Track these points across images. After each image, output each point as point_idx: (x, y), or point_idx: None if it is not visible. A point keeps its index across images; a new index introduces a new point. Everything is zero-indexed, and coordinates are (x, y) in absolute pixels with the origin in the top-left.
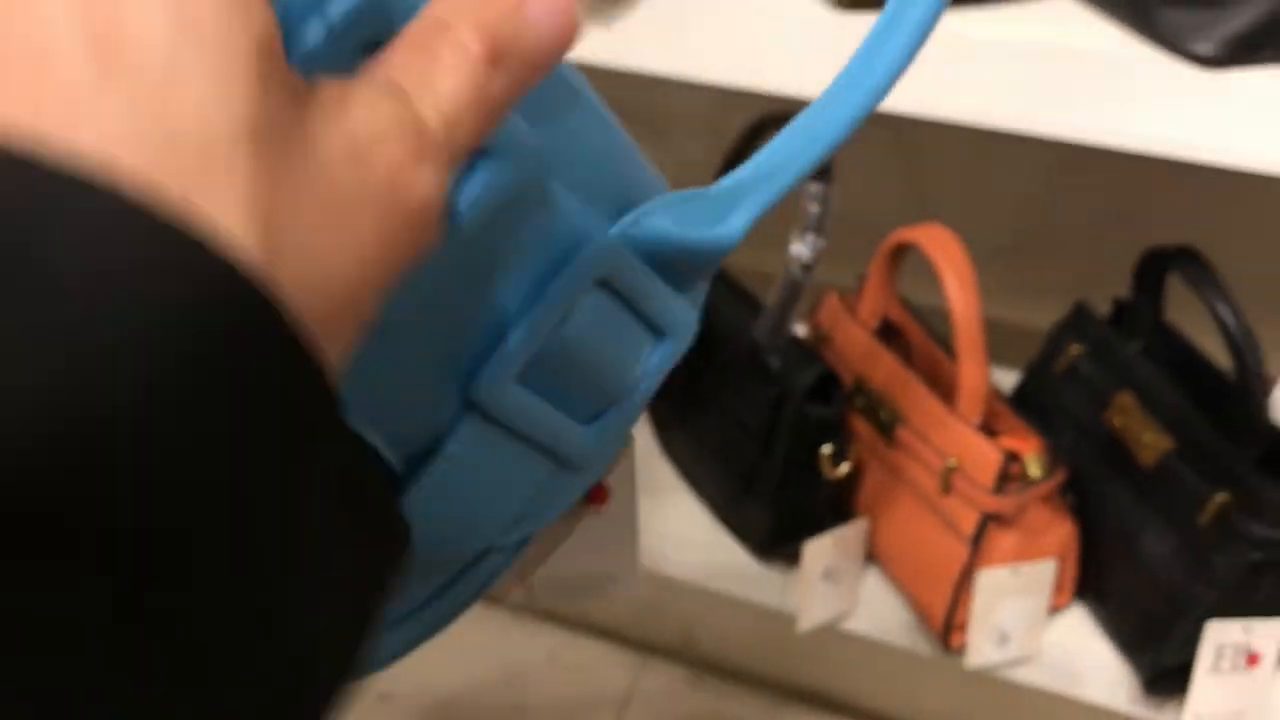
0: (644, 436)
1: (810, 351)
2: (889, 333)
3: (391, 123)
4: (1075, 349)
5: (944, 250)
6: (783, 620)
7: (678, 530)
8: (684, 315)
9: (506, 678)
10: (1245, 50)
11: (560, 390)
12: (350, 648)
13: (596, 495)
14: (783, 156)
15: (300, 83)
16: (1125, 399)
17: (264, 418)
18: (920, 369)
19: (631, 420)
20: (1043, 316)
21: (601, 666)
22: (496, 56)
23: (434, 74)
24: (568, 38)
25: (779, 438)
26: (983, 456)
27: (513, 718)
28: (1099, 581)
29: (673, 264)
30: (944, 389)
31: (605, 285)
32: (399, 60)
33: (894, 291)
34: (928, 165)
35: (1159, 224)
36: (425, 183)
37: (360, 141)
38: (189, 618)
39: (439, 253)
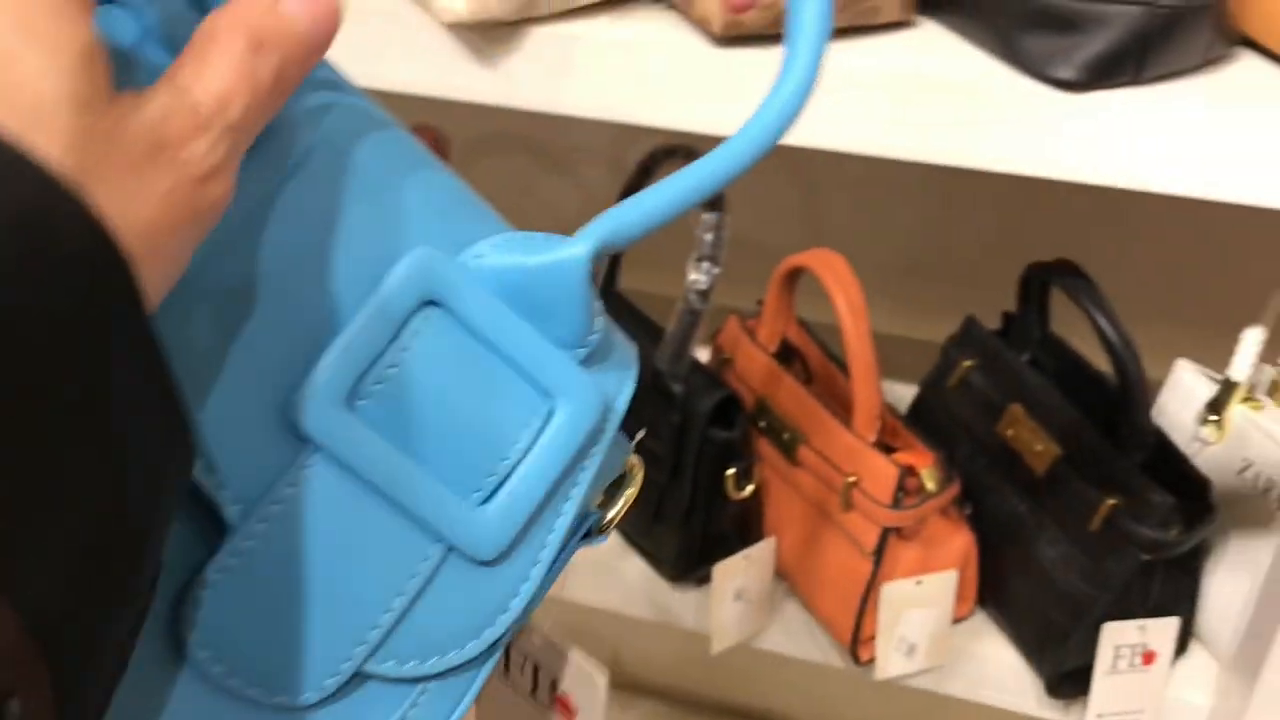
0: None
1: (712, 376)
2: (789, 354)
3: (172, 107)
4: (967, 363)
5: (833, 273)
6: (701, 641)
7: (594, 557)
8: (573, 377)
9: None
10: (1103, 73)
11: (419, 438)
12: (142, 530)
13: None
14: (653, 192)
15: (113, 90)
16: (1015, 410)
17: (78, 291)
18: (820, 388)
19: (537, 514)
20: (938, 331)
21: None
22: (258, 45)
23: (204, 67)
24: (326, 25)
25: (685, 463)
26: (880, 472)
27: None
28: (999, 589)
29: (524, 295)
30: (843, 407)
31: (445, 309)
32: (180, 63)
33: (791, 314)
34: (823, 191)
35: (1043, 240)
36: (203, 149)
37: (152, 122)
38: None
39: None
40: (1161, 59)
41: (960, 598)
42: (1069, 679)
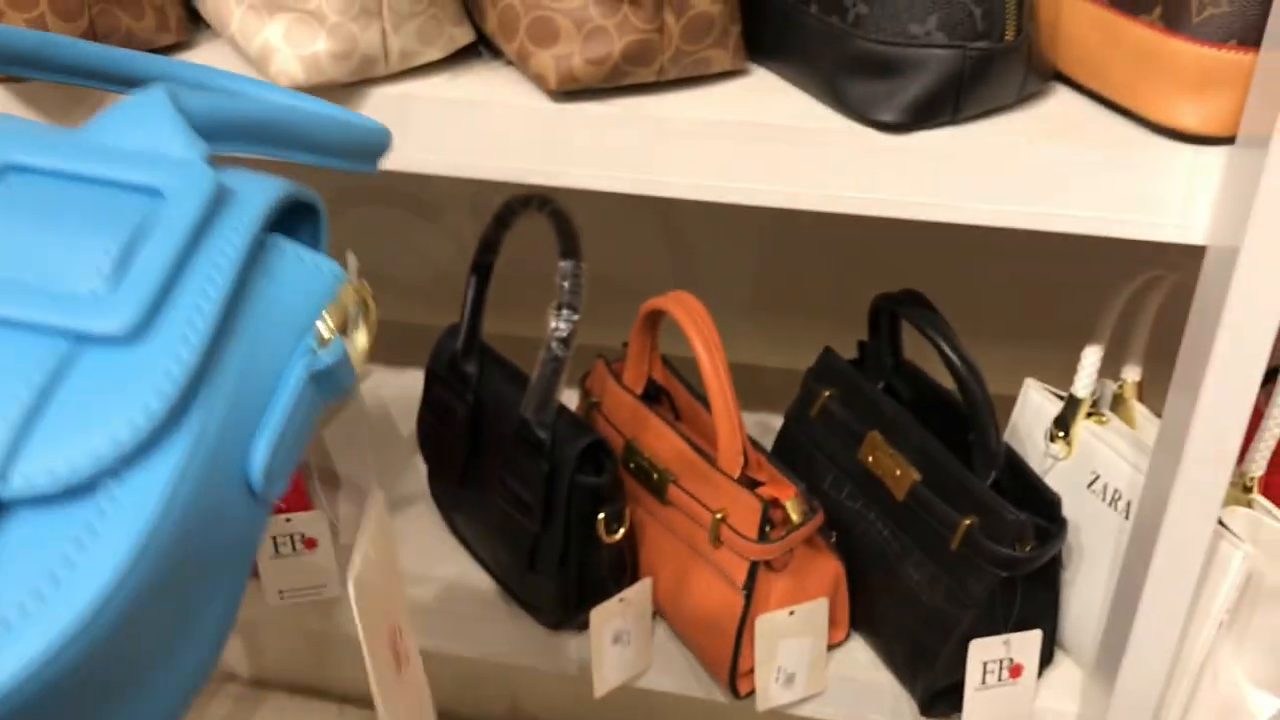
0: (432, 516)
1: (578, 421)
2: (656, 393)
3: None
4: (826, 393)
5: (689, 315)
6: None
7: (470, 610)
8: (168, 165)
9: None
10: (923, 115)
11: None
12: None
13: (309, 543)
14: None
15: None
16: (874, 437)
17: None
18: (688, 427)
19: (170, 288)
20: (804, 359)
21: None
22: None
23: None
24: None
25: (555, 510)
26: (745, 507)
27: None
28: (870, 613)
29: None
30: (711, 444)
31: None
32: None
33: (655, 354)
34: (684, 230)
35: (892, 269)
36: None
37: None
38: None
39: None
40: (977, 98)
41: (833, 623)
42: (941, 697)
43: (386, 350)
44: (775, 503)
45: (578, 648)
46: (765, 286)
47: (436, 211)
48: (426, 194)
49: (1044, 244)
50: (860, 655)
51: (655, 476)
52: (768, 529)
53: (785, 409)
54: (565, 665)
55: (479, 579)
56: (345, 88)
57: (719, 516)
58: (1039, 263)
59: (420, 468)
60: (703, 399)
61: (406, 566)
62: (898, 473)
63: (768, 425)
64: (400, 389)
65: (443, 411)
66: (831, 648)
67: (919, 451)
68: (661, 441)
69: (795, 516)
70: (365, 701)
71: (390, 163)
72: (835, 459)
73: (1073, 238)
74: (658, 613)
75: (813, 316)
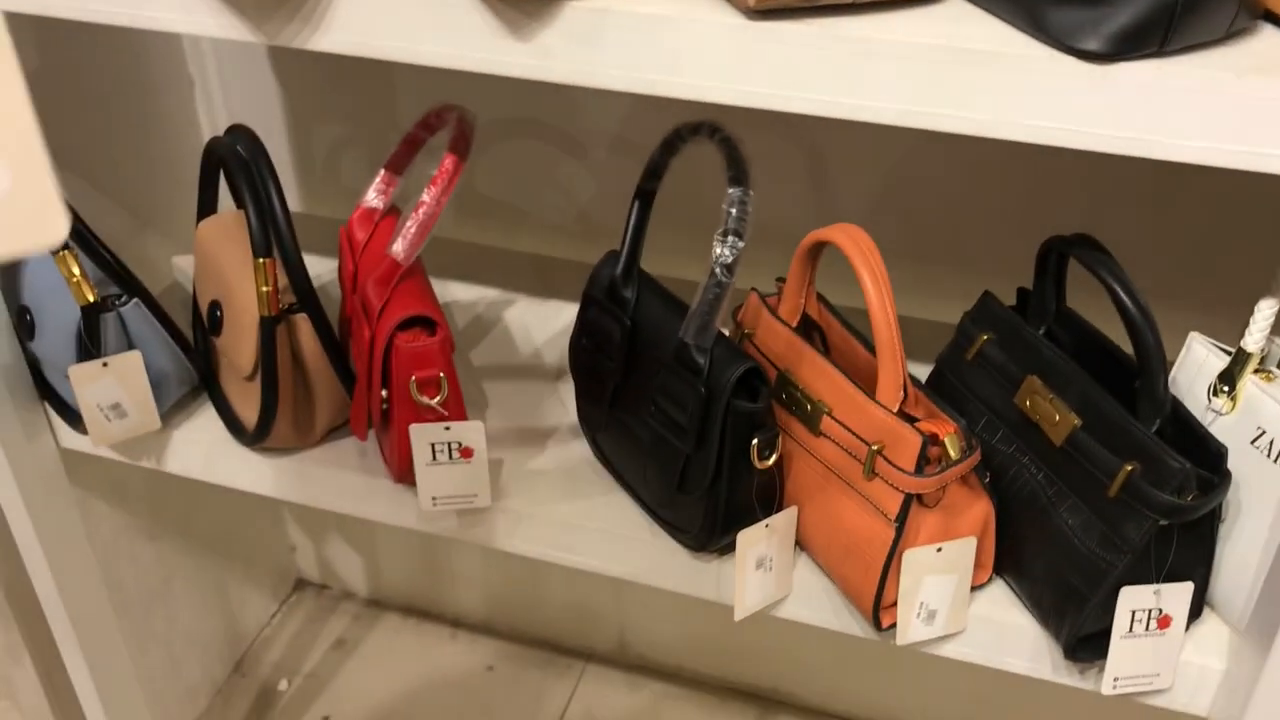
0: (576, 440)
1: (736, 349)
2: (807, 329)
3: None
4: (984, 336)
5: (856, 246)
6: (718, 615)
7: (614, 530)
8: None
9: (447, 692)
10: (1130, 45)
11: None
12: None
13: (465, 452)
14: None
15: None
16: (1033, 381)
17: None
18: (840, 362)
19: None
20: (947, 312)
21: (540, 675)
22: None
23: None
24: None
25: (710, 433)
26: (903, 440)
27: None
28: (1017, 557)
29: None
30: (864, 380)
31: None
32: None
33: (812, 289)
34: (834, 171)
35: (1053, 218)
36: None
37: None
38: None
39: None
40: (1188, 29)
41: (978, 565)
42: (1085, 643)
43: (530, 282)
44: (934, 438)
45: (718, 573)
46: (911, 233)
47: (581, 148)
48: (574, 128)
49: (1222, 190)
50: (1002, 598)
51: (809, 407)
52: (924, 463)
53: (929, 359)
54: (704, 589)
55: (622, 500)
56: (540, 1)
57: (876, 449)
58: (1211, 211)
59: (565, 394)
60: (859, 335)
61: (548, 483)
62: (1056, 418)
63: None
64: (542, 318)
65: (598, 335)
66: (974, 589)
67: (1080, 397)
68: (817, 374)
69: (953, 452)
70: (477, 626)
71: (579, 78)
72: (990, 403)
73: (1256, 184)
74: (799, 544)
75: (960, 267)
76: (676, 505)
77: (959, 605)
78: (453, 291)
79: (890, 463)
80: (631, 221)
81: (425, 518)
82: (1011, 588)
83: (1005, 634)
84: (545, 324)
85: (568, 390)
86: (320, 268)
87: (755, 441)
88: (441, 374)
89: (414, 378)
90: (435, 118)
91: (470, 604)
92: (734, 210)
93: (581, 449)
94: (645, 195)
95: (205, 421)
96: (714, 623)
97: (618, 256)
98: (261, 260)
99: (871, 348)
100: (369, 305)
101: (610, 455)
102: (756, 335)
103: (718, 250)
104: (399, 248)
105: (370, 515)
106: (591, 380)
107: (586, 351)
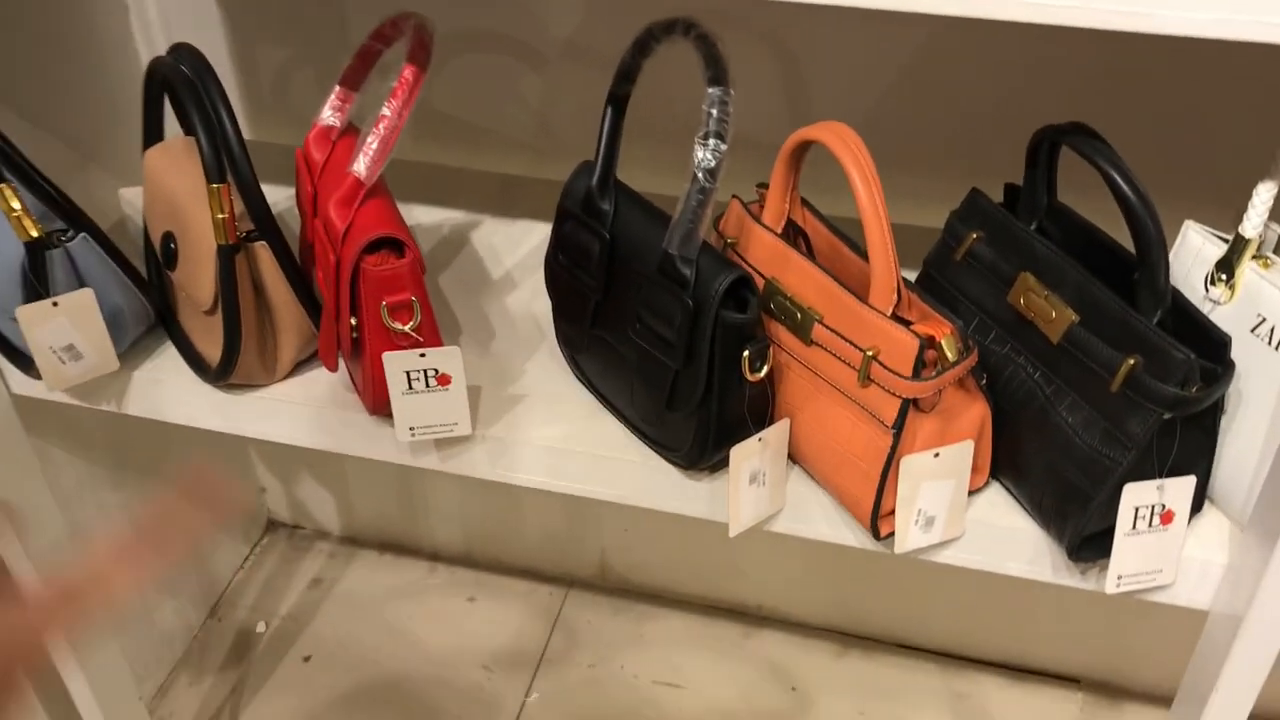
0: (555, 362)
1: (720, 258)
2: (793, 236)
3: None
4: (972, 235)
5: (845, 144)
6: (700, 535)
7: (601, 453)
8: None
9: (430, 626)
10: None
11: None
12: None
13: (442, 379)
14: None
15: None
16: (1026, 278)
17: None
18: (828, 268)
19: None
20: (932, 218)
21: (522, 604)
22: None
23: None
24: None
25: (698, 347)
26: (899, 344)
27: (440, 665)
28: (1015, 459)
29: None
30: (855, 285)
31: None
32: None
33: (796, 193)
34: (808, 73)
35: (1042, 111)
36: None
37: None
38: None
39: None
40: None
41: (975, 469)
42: (1087, 543)
43: (495, 202)
44: (930, 340)
45: (710, 491)
46: (889, 135)
47: (541, 58)
48: (533, 37)
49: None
50: (1000, 501)
51: (799, 316)
52: (921, 367)
53: (915, 265)
54: (696, 507)
55: (606, 422)
56: None
57: (870, 354)
58: (1204, 94)
59: (540, 316)
60: (847, 239)
61: (529, 407)
62: (1053, 314)
63: None
64: (509, 239)
65: (575, 250)
66: (971, 493)
67: (1076, 291)
68: (806, 280)
69: (950, 355)
70: (456, 559)
71: None
72: (981, 303)
73: (1247, 65)
74: (792, 457)
75: (943, 170)
76: (665, 424)
77: (957, 511)
78: (414, 215)
79: (886, 368)
80: (605, 129)
81: (404, 449)
82: (1009, 490)
83: (1004, 537)
84: (513, 244)
85: (543, 311)
86: (275, 196)
87: (746, 354)
88: (413, 298)
89: (385, 303)
90: (390, 28)
91: (448, 537)
92: (714, 111)
93: (561, 371)
94: (618, 100)
95: (166, 360)
96: (696, 542)
97: (592, 167)
98: (215, 186)
99: (860, 251)
100: (332, 228)
101: (592, 376)
102: (740, 244)
103: (699, 154)
104: (361, 166)
105: (346, 450)
106: (570, 299)
107: (563, 268)
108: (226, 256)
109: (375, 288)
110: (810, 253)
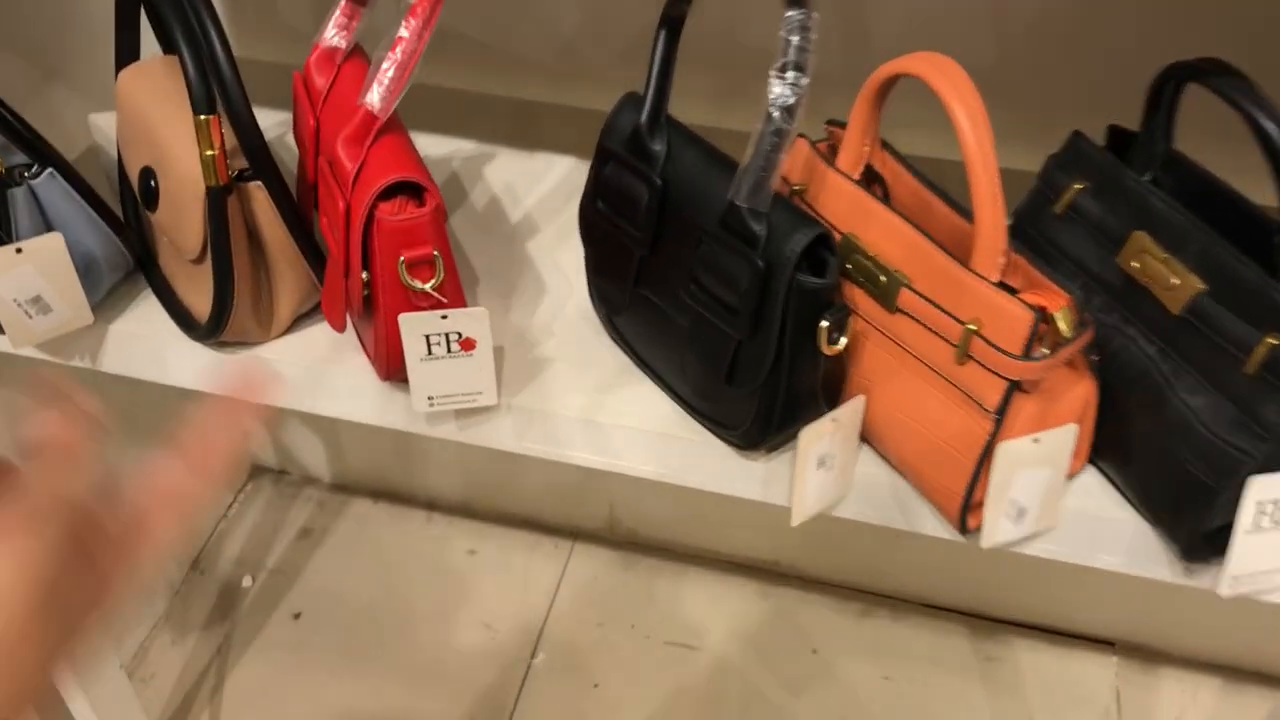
0: (587, 321)
1: (796, 211)
2: (868, 183)
3: None
4: (1075, 186)
5: (949, 80)
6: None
7: (642, 426)
8: None
9: (427, 580)
10: None
11: None
12: None
13: (466, 344)
14: None
15: None
16: (1141, 238)
17: None
18: (916, 223)
19: None
20: (1020, 159)
21: (526, 557)
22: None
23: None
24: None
25: (768, 315)
26: (1009, 317)
27: (439, 623)
28: (1120, 443)
29: None
30: (948, 242)
31: None
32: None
33: (877, 134)
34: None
35: (1151, 46)
36: None
37: None
38: None
39: None
40: None
41: (1074, 454)
42: (1200, 540)
43: (509, 131)
44: (1043, 312)
45: (766, 470)
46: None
47: None
48: None
49: None
50: (1096, 488)
51: (883, 279)
52: (1033, 343)
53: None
54: (749, 488)
55: (648, 391)
56: None
57: (972, 328)
58: None
59: (566, 265)
60: (936, 188)
61: (559, 373)
62: (1173, 281)
63: None
64: (528, 173)
65: (619, 196)
66: (1066, 479)
67: (1202, 255)
68: (891, 237)
69: (1066, 329)
70: (455, 508)
71: None
72: (1084, 264)
73: None
74: (863, 435)
75: (1032, 107)
76: (721, 398)
77: (1051, 500)
78: (419, 145)
79: (991, 344)
80: (657, 55)
81: (419, 419)
82: (1107, 476)
83: (1100, 529)
84: (532, 180)
85: (571, 260)
86: (265, 121)
87: (824, 324)
88: (435, 252)
89: (403, 258)
90: None
91: (446, 485)
92: (794, 38)
93: (594, 331)
94: (673, 23)
95: (147, 311)
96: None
97: (640, 101)
98: (204, 118)
99: (952, 203)
100: (340, 170)
101: (632, 339)
102: (810, 192)
103: (776, 89)
104: (375, 97)
105: (355, 416)
106: (610, 252)
107: (603, 217)
108: (217, 199)
109: (392, 240)
110: (889, 203)
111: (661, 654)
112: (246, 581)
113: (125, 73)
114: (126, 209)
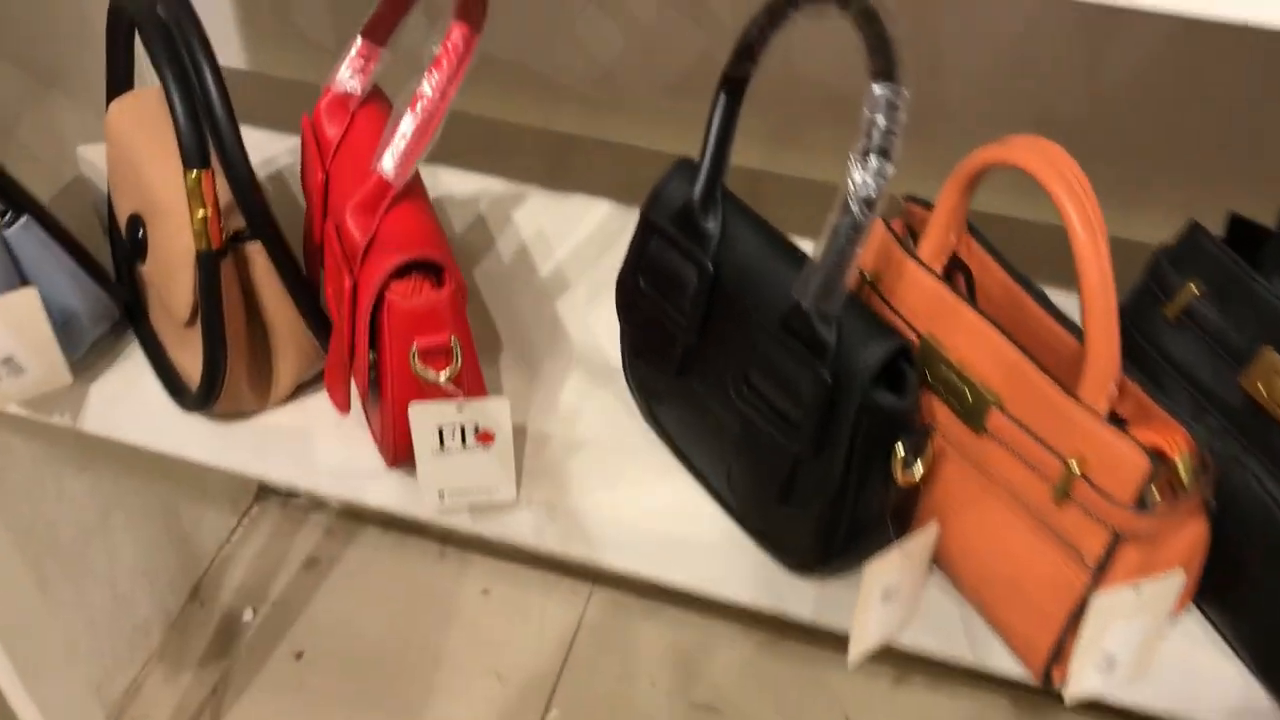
0: (621, 397)
1: (871, 314)
2: (951, 271)
3: None
4: (1191, 287)
5: (1059, 174)
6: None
7: (678, 530)
8: None
9: (437, 620)
10: None
11: None
12: None
13: (483, 436)
14: None
15: None
16: (1270, 356)
17: None
18: (1002, 323)
19: None
20: (1131, 227)
21: (542, 600)
22: None
23: None
24: None
25: (836, 435)
26: (1120, 460)
27: (449, 669)
28: (1231, 590)
29: None
30: (1044, 354)
31: None
32: None
33: (964, 222)
34: (946, 38)
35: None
36: None
37: None
38: None
39: None
40: None
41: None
42: None
43: (541, 167)
44: (1159, 455)
45: (819, 591)
46: (1065, 120)
47: None
48: None
49: None
50: (1198, 633)
51: (970, 395)
52: (1148, 491)
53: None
54: (800, 608)
55: (685, 486)
56: None
57: (1074, 468)
58: None
59: (598, 327)
60: (1031, 286)
61: (587, 461)
62: None
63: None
64: (559, 217)
65: (664, 277)
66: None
67: None
68: (981, 345)
69: (1185, 477)
70: (469, 542)
71: None
72: (1197, 379)
73: None
74: (935, 562)
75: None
76: (774, 516)
77: (1147, 650)
78: (439, 182)
79: (1097, 489)
80: (715, 122)
81: (430, 508)
82: (1209, 619)
83: (1200, 681)
84: (566, 226)
85: (603, 320)
86: (276, 146)
87: (899, 449)
88: (453, 338)
89: (415, 346)
90: None
91: (459, 517)
92: (880, 119)
93: (629, 412)
94: (734, 85)
95: (135, 368)
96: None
97: (693, 168)
98: (196, 173)
99: (1050, 307)
100: (348, 241)
101: (673, 431)
102: (885, 282)
103: (857, 177)
104: (389, 165)
105: (360, 498)
106: (650, 335)
107: (645, 297)
108: (209, 265)
109: (404, 325)
110: (974, 298)
111: (684, 715)
112: (248, 615)
113: (116, 104)
114: (117, 254)
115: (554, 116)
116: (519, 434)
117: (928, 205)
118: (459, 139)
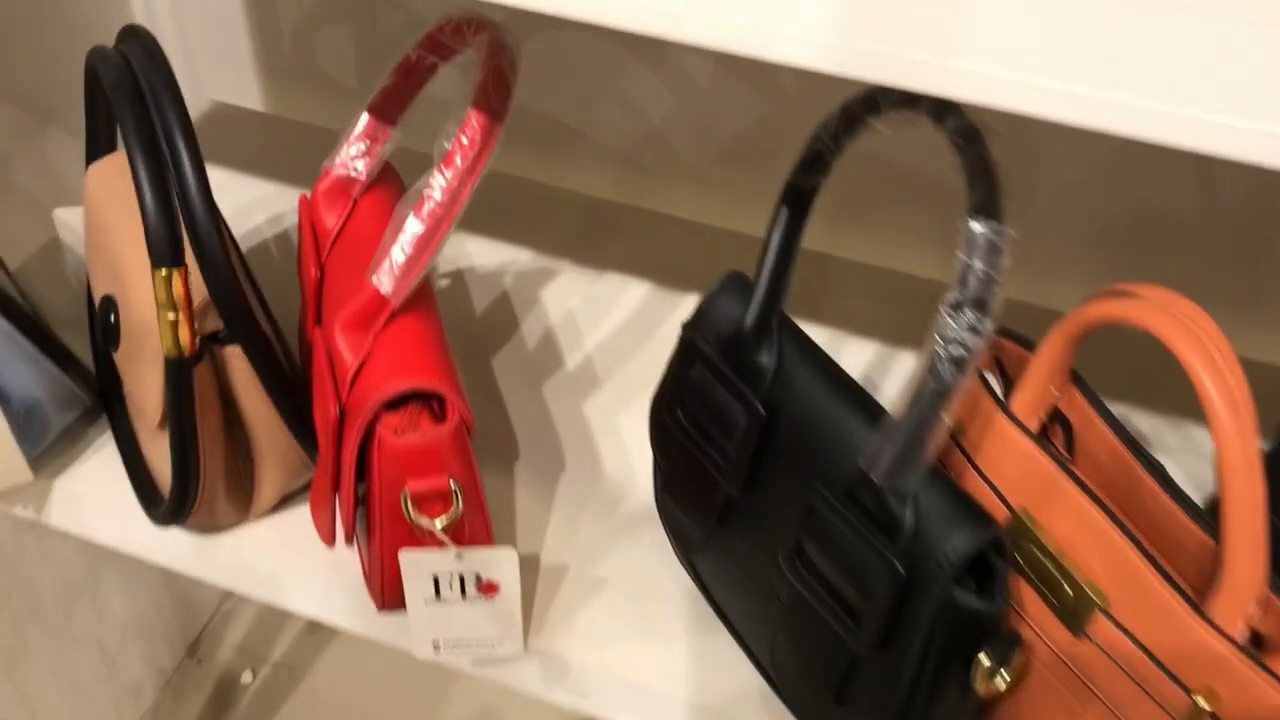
0: (651, 530)
1: (956, 491)
2: (1049, 425)
3: None
4: None
5: (1197, 342)
6: None
7: (709, 702)
8: None
9: (445, 685)
10: None
11: None
12: None
13: (486, 588)
14: None
15: None
16: None
17: None
18: (1116, 511)
19: None
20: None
21: None
22: None
23: None
24: None
25: (907, 634)
26: (1259, 701)
27: None
28: None
29: None
30: (1161, 541)
31: None
32: None
33: (1068, 376)
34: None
35: None
36: None
37: None
38: None
39: None
40: None
41: None
42: None
43: (573, 237)
44: None
45: None
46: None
47: (660, 50)
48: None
49: None
50: None
51: (1069, 591)
52: None
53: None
54: None
55: (724, 647)
56: None
57: (1201, 704)
58: None
59: (632, 440)
60: (1146, 458)
61: (607, 608)
62: None
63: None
64: (592, 299)
65: (707, 411)
66: None
67: None
68: (1085, 530)
69: None
70: None
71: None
72: None
73: None
74: None
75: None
76: (825, 710)
77: None
78: (461, 249)
79: None
80: (774, 240)
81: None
82: None
83: None
84: (598, 311)
85: (635, 430)
86: (287, 203)
87: (983, 659)
88: (452, 481)
89: (407, 489)
90: (452, 35)
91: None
92: (977, 263)
93: (659, 548)
94: (799, 196)
95: (106, 459)
96: None
97: (745, 286)
98: (166, 272)
99: (1168, 483)
100: (337, 361)
101: (710, 581)
102: (968, 436)
103: (950, 329)
104: (386, 282)
105: (348, 628)
106: (688, 475)
107: (683, 430)
108: (179, 373)
109: (395, 465)
110: (1074, 464)
111: None
112: (246, 677)
113: (95, 168)
114: (95, 331)
115: (592, 180)
116: (531, 565)
117: (1024, 342)
118: (485, 200)
